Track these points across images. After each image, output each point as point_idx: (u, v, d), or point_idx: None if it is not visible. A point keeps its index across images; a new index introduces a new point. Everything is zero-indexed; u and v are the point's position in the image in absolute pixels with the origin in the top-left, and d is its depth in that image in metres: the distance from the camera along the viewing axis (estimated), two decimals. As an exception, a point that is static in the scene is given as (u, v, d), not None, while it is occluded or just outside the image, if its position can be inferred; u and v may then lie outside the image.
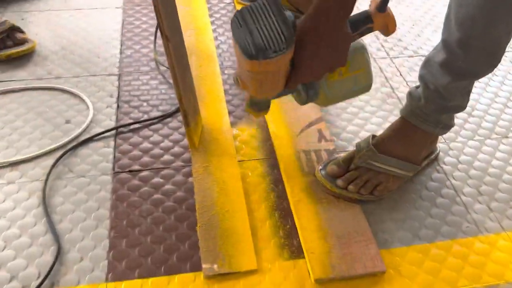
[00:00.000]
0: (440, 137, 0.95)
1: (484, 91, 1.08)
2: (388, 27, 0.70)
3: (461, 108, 0.82)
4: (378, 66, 1.13)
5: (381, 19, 0.70)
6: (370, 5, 0.71)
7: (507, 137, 0.97)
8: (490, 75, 1.12)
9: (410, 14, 1.33)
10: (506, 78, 1.12)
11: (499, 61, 0.75)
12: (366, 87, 0.75)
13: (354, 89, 0.74)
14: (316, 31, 0.62)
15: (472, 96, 1.07)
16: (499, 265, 0.75)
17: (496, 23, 0.69)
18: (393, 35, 1.25)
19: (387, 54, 1.18)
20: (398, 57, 1.17)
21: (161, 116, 0.96)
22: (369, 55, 0.77)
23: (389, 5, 0.70)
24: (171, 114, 0.97)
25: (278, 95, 0.74)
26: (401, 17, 1.31)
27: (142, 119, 0.96)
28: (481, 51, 0.72)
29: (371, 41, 1.21)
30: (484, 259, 0.76)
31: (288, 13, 0.62)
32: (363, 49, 0.72)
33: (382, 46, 1.20)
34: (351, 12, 0.63)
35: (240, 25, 0.61)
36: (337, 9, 0.61)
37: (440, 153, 0.93)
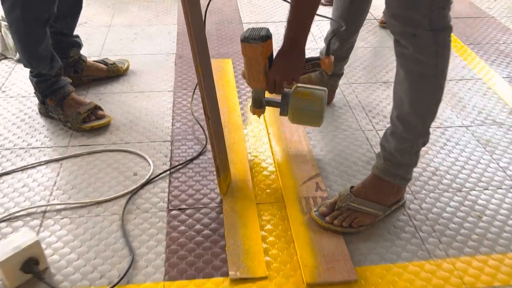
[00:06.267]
0: (408, 189, 1.27)
1: (447, 156, 1.40)
2: (328, 66, 1.20)
3: (412, 165, 1.15)
4: (366, 136, 1.48)
5: (324, 60, 1.19)
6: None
7: (460, 191, 1.28)
8: (453, 144, 1.44)
9: (395, 96, 1.68)
10: (466, 147, 1.44)
11: (426, 132, 1.09)
12: (318, 112, 1.22)
13: (309, 108, 1.21)
14: (283, 50, 1.10)
15: (437, 160, 1.40)
16: (441, 280, 1.04)
17: (418, 105, 1.03)
18: (379, 112, 1.61)
19: (374, 127, 1.52)
20: (382, 130, 1.51)
21: (190, 159, 1.36)
22: (326, 98, 1.26)
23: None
24: (196, 157, 1.37)
25: (268, 102, 1.26)
26: (388, 98, 1.67)
27: (177, 164, 1.33)
28: (411, 125, 1.06)
29: (362, 117, 1.57)
30: (431, 275, 1.05)
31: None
32: (323, 90, 1.24)
33: (370, 121, 1.55)
34: (303, 42, 1.09)
35: (245, 31, 1.13)
36: (293, 40, 1.07)
37: (407, 201, 1.24)
